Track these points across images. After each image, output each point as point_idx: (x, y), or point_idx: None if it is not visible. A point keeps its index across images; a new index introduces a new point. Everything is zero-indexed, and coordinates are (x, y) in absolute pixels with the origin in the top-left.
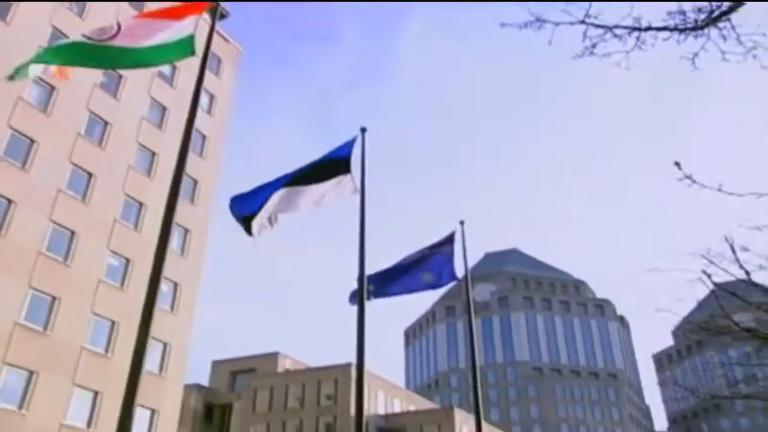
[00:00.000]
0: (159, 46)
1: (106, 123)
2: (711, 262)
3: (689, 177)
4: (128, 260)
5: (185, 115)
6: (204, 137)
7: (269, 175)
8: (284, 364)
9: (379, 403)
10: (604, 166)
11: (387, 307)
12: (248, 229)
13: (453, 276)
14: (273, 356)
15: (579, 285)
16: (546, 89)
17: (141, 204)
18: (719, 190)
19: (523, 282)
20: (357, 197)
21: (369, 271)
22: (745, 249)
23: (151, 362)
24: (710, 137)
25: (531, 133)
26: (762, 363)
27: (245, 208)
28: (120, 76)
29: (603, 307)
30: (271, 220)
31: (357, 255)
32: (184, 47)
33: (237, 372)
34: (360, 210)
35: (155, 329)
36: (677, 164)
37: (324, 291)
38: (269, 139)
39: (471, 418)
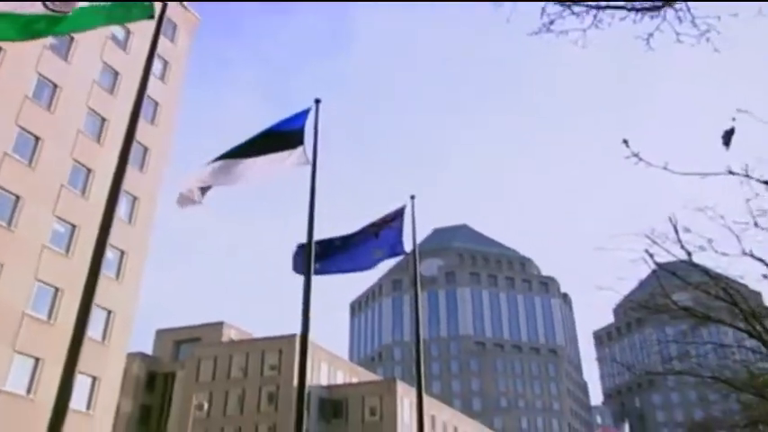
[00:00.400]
0: (117, 5)
1: (55, 86)
2: (655, 242)
3: (636, 155)
4: (74, 226)
5: (138, 81)
6: (157, 104)
7: (223, 145)
8: (229, 334)
9: (322, 374)
10: (556, 144)
11: (333, 279)
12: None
13: (401, 251)
14: (218, 326)
15: (525, 262)
16: (500, 67)
17: (90, 170)
18: (665, 168)
19: (471, 257)
20: (308, 169)
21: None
22: (687, 230)
23: (94, 329)
24: (663, 117)
25: (484, 111)
26: (696, 341)
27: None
28: (72, 39)
29: (548, 284)
30: (203, 190)
31: (306, 227)
32: (143, 8)
33: (182, 341)
34: (310, 182)
35: (99, 297)
36: (625, 141)
37: (271, 262)
38: (225, 109)
39: (413, 391)
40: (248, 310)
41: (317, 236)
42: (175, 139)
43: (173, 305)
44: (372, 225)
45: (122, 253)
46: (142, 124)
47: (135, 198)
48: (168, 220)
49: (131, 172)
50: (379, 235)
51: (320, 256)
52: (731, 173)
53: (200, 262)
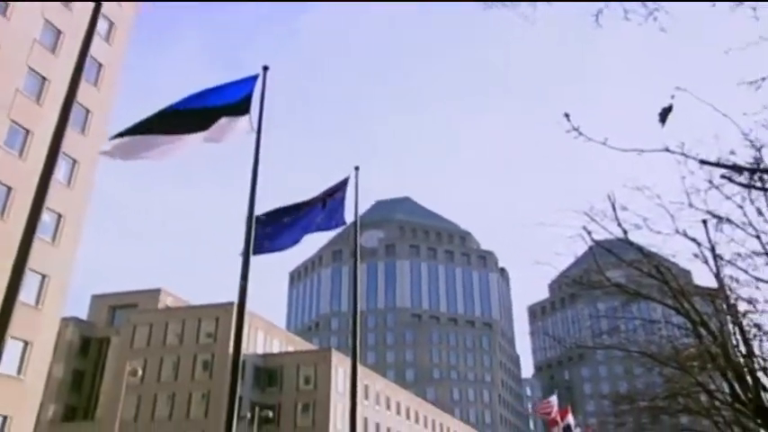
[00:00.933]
0: None
1: None
2: (593, 219)
3: (576, 129)
4: (9, 188)
5: (81, 40)
6: (100, 65)
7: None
8: (166, 301)
9: (258, 343)
10: (500, 120)
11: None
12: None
13: (342, 221)
14: (155, 293)
15: (465, 236)
16: (449, 46)
17: (28, 131)
18: (604, 143)
19: (411, 230)
20: (253, 137)
21: (259, 212)
22: (625, 209)
23: (28, 293)
24: (608, 95)
25: (431, 89)
26: (626, 316)
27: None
28: None
29: (486, 258)
30: (142, 150)
31: (248, 195)
32: None
33: (117, 307)
34: (254, 150)
35: (34, 261)
36: (566, 115)
37: (213, 230)
38: (172, 76)
39: (348, 360)
40: (187, 277)
41: (260, 206)
42: (119, 102)
43: (110, 271)
44: (318, 197)
45: (59, 216)
46: (84, 85)
47: (75, 161)
48: (109, 185)
49: (72, 134)
50: (325, 205)
51: (269, 236)
52: (668, 150)
53: (141, 228)
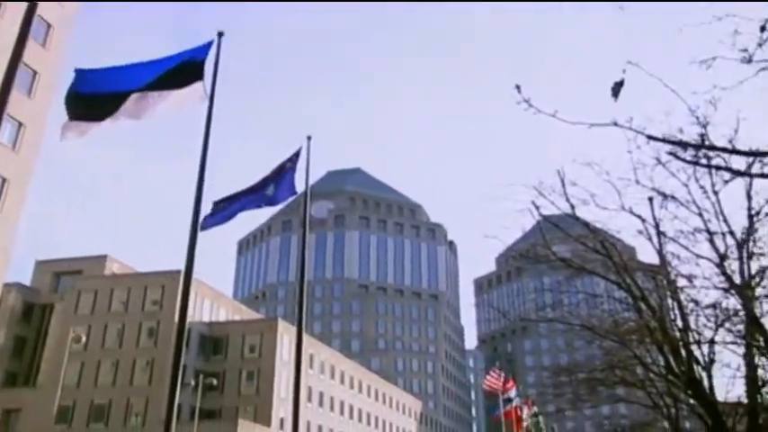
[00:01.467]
0: None
1: None
2: (541, 194)
3: (527, 101)
4: None
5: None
6: (49, 25)
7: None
8: (112, 268)
9: (204, 311)
10: (456, 93)
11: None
12: (73, 108)
13: (292, 191)
14: (101, 259)
15: (415, 209)
16: (402, 19)
17: None
18: (553, 116)
19: (362, 201)
20: (206, 104)
21: (210, 183)
22: (574, 184)
23: None
24: (564, 71)
25: (387, 61)
26: (569, 290)
27: (87, 86)
28: None
29: (435, 231)
30: (97, 119)
31: (198, 161)
32: None
33: (62, 273)
34: (206, 117)
35: None
36: (517, 87)
37: (164, 198)
38: (125, 39)
39: (294, 330)
40: (135, 245)
41: (211, 174)
42: (68, 65)
43: (56, 237)
44: (271, 174)
45: (3, 180)
46: (32, 47)
47: (20, 124)
48: (56, 149)
49: (17, 96)
50: (275, 177)
51: (220, 211)
52: (616, 125)
53: (90, 194)
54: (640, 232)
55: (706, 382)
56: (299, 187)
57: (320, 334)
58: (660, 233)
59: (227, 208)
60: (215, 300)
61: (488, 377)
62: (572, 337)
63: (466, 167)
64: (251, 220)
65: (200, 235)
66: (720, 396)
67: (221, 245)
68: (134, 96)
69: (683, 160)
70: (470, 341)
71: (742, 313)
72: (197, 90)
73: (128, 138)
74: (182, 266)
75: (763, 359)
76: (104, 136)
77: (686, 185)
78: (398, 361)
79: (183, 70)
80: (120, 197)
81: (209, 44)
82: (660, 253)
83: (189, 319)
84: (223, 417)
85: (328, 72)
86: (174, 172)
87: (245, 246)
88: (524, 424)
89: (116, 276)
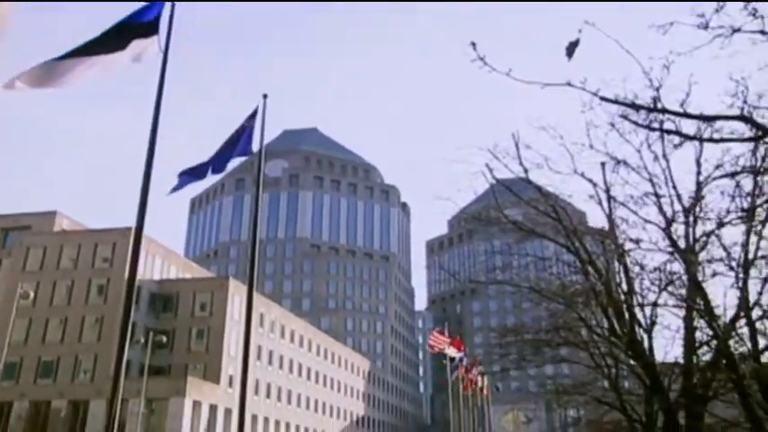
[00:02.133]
0: None
1: None
2: (496, 157)
3: (482, 59)
4: None
5: None
6: None
7: (72, 23)
8: (62, 225)
9: (155, 269)
10: (413, 55)
11: (174, 174)
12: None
13: (248, 151)
14: (50, 215)
15: (370, 170)
16: None
17: None
18: (507, 74)
19: (317, 161)
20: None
21: (165, 138)
22: (528, 147)
23: None
24: (522, 33)
25: (345, 14)
26: (519, 253)
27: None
28: None
29: (389, 192)
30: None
31: (152, 116)
32: None
33: (10, 228)
34: (160, 74)
35: None
36: (473, 44)
37: (117, 154)
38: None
39: (245, 289)
40: (87, 202)
41: (165, 131)
42: (14, 18)
43: (4, 193)
44: (231, 137)
45: None
46: None
47: None
48: (4, 103)
49: None
50: (234, 137)
51: (189, 173)
52: (570, 85)
53: (39, 149)
54: (591, 197)
55: (646, 344)
56: (254, 146)
57: (271, 293)
58: (610, 198)
59: (195, 171)
60: (166, 258)
61: (432, 336)
62: (520, 299)
63: (423, 130)
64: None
65: (152, 193)
66: (659, 357)
67: (174, 203)
68: (81, 60)
69: (636, 123)
70: (420, 302)
71: (685, 277)
72: (153, 44)
73: (81, 91)
74: (133, 224)
75: (702, 321)
76: (57, 90)
77: (638, 151)
78: (348, 321)
79: (135, 28)
80: (71, 153)
81: (163, 2)
82: (609, 217)
83: (139, 276)
84: (172, 374)
85: (287, 31)
86: (129, 125)
87: (197, 204)
88: (478, 384)
89: (66, 233)
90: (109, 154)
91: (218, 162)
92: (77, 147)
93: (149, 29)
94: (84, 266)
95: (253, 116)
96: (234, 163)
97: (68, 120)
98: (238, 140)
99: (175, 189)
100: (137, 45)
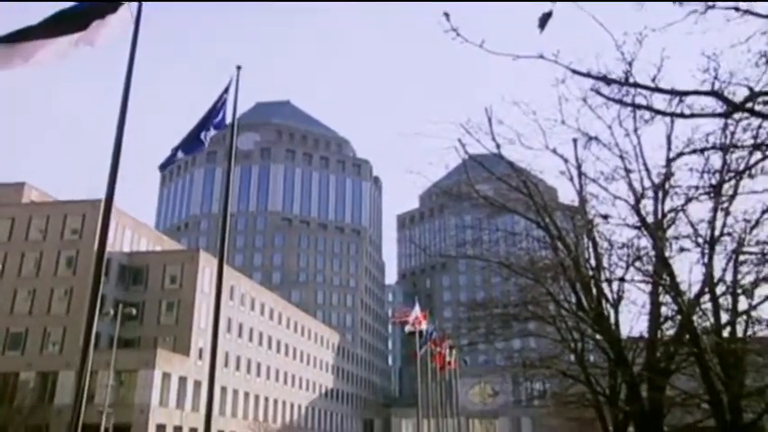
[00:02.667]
0: None
1: None
2: (468, 132)
3: (455, 30)
4: None
5: None
6: None
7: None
8: (30, 196)
9: (125, 241)
10: (387, 24)
11: (145, 146)
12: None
13: (223, 125)
14: (18, 186)
15: (342, 144)
16: None
17: None
18: (480, 46)
19: (289, 135)
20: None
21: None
22: (501, 122)
23: None
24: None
25: None
26: (489, 228)
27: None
28: None
29: (361, 167)
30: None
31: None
32: None
33: None
34: (131, 43)
35: None
36: (446, 15)
37: (85, 124)
38: None
39: (215, 261)
40: (56, 174)
41: (136, 102)
42: None
43: None
44: (212, 107)
45: None
46: None
47: None
48: None
49: None
50: (211, 111)
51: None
52: (542, 57)
53: (6, 121)
54: (562, 173)
55: (613, 319)
56: (227, 118)
57: (242, 266)
58: (581, 174)
59: (184, 146)
60: (136, 230)
61: (398, 312)
62: (489, 274)
63: (396, 104)
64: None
65: (123, 164)
66: (624, 332)
67: (145, 175)
68: (58, 33)
69: (607, 98)
70: (391, 276)
71: (652, 253)
72: (125, 12)
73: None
74: (102, 196)
75: (667, 297)
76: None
77: (610, 127)
78: (319, 294)
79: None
80: (40, 123)
81: None
82: (580, 193)
83: (109, 248)
84: (142, 346)
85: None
86: (100, 95)
87: (168, 176)
88: (446, 358)
89: (34, 204)
90: (80, 125)
91: (197, 139)
92: (47, 117)
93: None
94: (52, 238)
95: (228, 89)
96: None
97: (38, 90)
98: (217, 113)
99: (166, 164)
100: (100, 23)
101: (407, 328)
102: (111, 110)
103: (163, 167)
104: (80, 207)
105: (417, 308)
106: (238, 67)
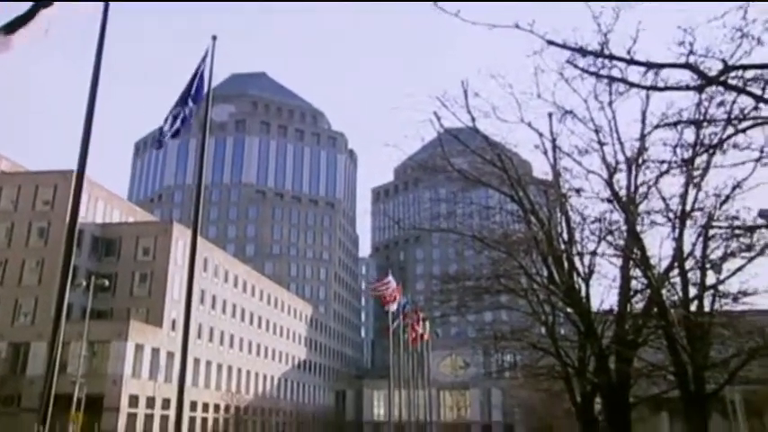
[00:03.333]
0: None
1: None
2: (444, 105)
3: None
4: None
5: None
6: None
7: None
8: (0, 166)
9: (97, 212)
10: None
11: (117, 117)
12: None
13: (200, 97)
14: None
15: (317, 116)
16: None
17: None
18: (456, 15)
19: (264, 107)
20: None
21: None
22: (477, 95)
23: None
24: None
25: None
26: (463, 201)
27: None
28: None
29: (336, 140)
30: None
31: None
32: None
33: None
34: (102, 13)
35: None
36: None
37: (58, 94)
38: None
39: (189, 233)
40: (27, 144)
41: (108, 74)
42: None
43: None
44: (191, 79)
45: None
46: None
47: None
48: None
49: None
50: (188, 86)
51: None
52: (518, 27)
53: None
54: (537, 147)
55: (583, 292)
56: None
57: (215, 238)
58: (556, 148)
59: (172, 122)
60: (109, 201)
61: (374, 284)
62: (462, 248)
63: (373, 77)
64: (147, 120)
65: (95, 135)
66: (595, 305)
67: (118, 146)
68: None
69: (583, 70)
70: (364, 249)
71: (624, 227)
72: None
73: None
74: (75, 166)
75: (637, 271)
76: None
77: (585, 101)
78: (292, 266)
79: None
80: (12, 93)
81: None
82: (554, 167)
83: (81, 219)
84: (115, 317)
85: None
86: (72, 66)
87: (142, 147)
88: (419, 331)
89: (4, 174)
90: (52, 95)
91: (182, 120)
92: (19, 87)
93: None
94: (24, 209)
95: (204, 60)
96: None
97: (8, 59)
98: (195, 87)
99: (159, 145)
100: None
101: (391, 309)
102: (84, 80)
103: (158, 146)
104: (52, 178)
105: (393, 282)
106: (214, 38)
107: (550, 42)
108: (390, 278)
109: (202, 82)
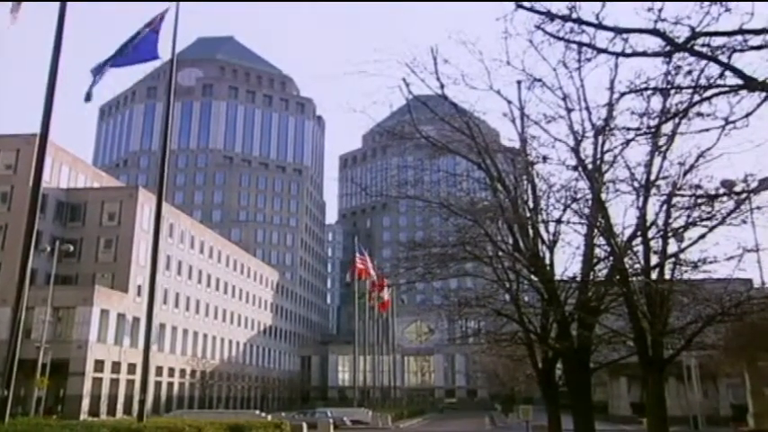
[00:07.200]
0: None
1: None
2: (413, 71)
3: None
4: None
5: None
6: None
7: None
8: None
9: (62, 177)
10: None
11: (83, 80)
12: None
13: (153, 55)
14: None
15: (286, 82)
16: None
17: None
18: None
19: (232, 71)
20: None
21: (73, 39)
22: (446, 62)
23: None
24: None
25: None
26: (431, 168)
27: None
28: None
29: (305, 105)
30: None
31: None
32: None
33: None
34: None
35: None
36: None
37: (21, 55)
38: None
39: (154, 199)
40: None
41: (74, 30)
42: None
43: None
44: (136, 33)
45: None
46: None
47: None
48: None
49: None
50: (138, 37)
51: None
52: None
53: None
54: (505, 115)
55: (548, 260)
56: (165, 53)
57: (182, 204)
58: (524, 116)
59: (100, 71)
60: (73, 166)
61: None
62: (429, 215)
63: (342, 42)
64: (113, 84)
65: (59, 99)
66: (558, 273)
67: (83, 110)
68: None
69: (551, 35)
70: (332, 216)
71: (589, 195)
72: None
73: None
74: (38, 130)
75: (601, 239)
76: None
77: (554, 70)
78: (259, 233)
79: None
80: None
81: None
82: (521, 135)
83: (45, 184)
84: (80, 283)
85: None
86: (39, 26)
87: (107, 112)
88: (385, 298)
89: None
90: (14, 56)
91: (118, 60)
92: None
93: None
94: None
95: (158, 20)
96: (146, 69)
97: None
98: (140, 42)
99: (88, 95)
100: None
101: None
102: (49, 41)
103: (87, 99)
104: (14, 142)
105: (369, 261)
106: None
107: (519, 6)
108: (367, 261)
109: (155, 41)
